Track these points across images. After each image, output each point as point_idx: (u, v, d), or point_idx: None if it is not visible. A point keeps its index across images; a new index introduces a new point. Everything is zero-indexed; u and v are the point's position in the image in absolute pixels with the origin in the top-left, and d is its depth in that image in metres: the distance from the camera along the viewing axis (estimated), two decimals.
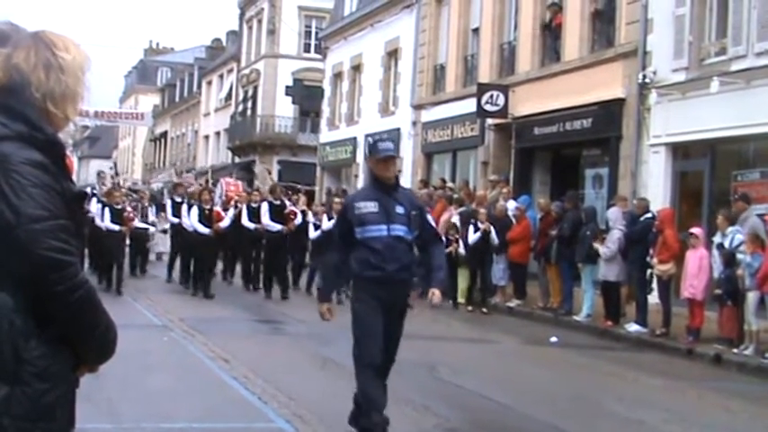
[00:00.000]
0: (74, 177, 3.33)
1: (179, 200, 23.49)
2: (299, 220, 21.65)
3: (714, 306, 15.88)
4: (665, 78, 19.96)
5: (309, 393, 10.31)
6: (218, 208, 21.99)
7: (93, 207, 21.58)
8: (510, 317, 19.11)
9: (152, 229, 26.70)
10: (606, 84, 21.61)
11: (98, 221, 20.71)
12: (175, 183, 27.52)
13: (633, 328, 16.80)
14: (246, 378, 10.98)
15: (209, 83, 65.08)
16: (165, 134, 76.97)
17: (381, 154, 8.00)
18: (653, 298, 16.95)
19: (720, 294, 15.31)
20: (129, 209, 21.23)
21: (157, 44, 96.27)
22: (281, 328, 15.98)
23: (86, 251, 23.08)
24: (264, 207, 21.44)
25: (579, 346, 15.93)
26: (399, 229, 7.87)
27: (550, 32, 24.72)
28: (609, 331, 16.96)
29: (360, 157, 35.88)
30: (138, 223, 22.71)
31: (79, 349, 2.99)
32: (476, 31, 28.50)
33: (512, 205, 21.05)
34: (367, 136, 35.01)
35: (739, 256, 14.81)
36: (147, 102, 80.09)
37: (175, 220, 22.96)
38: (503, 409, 10.30)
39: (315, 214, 22.21)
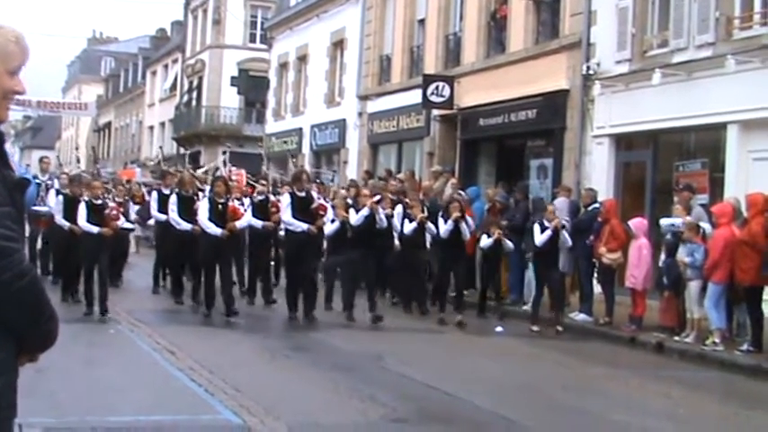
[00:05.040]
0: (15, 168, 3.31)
1: (167, 192, 19.21)
2: (329, 216, 17.15)
3: (656, 295, 16.12)
4: (608, 70, 20.15)
5: (256, 385, 10.31)
6: (233, 203, 16.97)
7: (53, 200, 18.44)
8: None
9: (136, 229, 22.98)
10: (550, 75, 21.75)
11: (58, 219, 17.05)
12: (163, 171, 23.41)
13: (579, 317, 16.99)
14: (193, 370, 10.96)
15: (154, 73, 64.72)
16: (108, 125, 76.40)
17: None
18: (597, 287, 17.16)
19: (663, 283, 15.56)
20: (111, 205, 16.62)
21: (101, 34, 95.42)
22: (229, 320, 15.90)
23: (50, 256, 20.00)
24: (286, 200, 16.87)
25: (525, 335, 16.05)
26: None
27: (495, 24, 24.83)
28: (554, 320, 17.09)
29: (306, 148, 35.83)
30: (121, 223, 17.38)
31: (22, 337, 2.99)
32: (421, 22, 28.52)
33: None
34: (313, 126, 35.02)
35: (681, 245, 15.03)
36: (91, 92, 79.29)
37: (162, 217, 18.78)
38: (449, 398, 10.35)
39: (332, 207, 17.75)
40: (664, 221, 15.94)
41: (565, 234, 16.48)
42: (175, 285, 18.41)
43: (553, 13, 22.73)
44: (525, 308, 18.06)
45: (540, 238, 16.42)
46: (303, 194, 16.67)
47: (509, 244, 17.51)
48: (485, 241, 17.53)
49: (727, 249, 14.04)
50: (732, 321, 14.91)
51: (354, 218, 16.91)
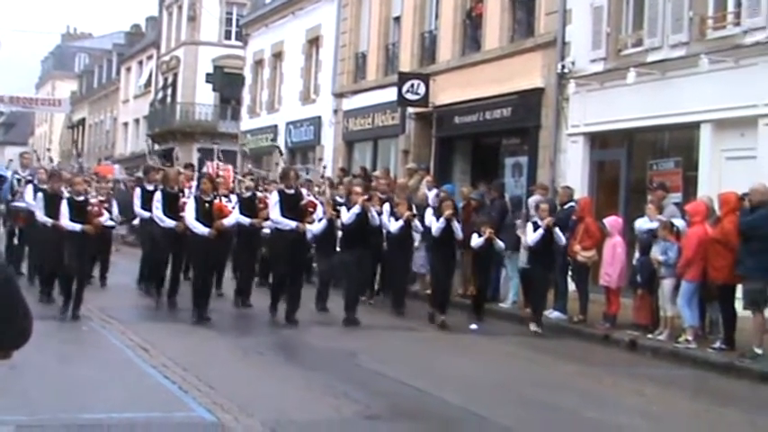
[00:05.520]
0: None
1: (151, 188, 18.47)
2: (318, 214, 16.59)
3: (630, 293, 16.18)
4: (583, 68, 20.22)
5: (230, 382, 10.30)
6: (219, 200, 16.27)
7: (29, 196, 17.92)
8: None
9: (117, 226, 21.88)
10: (526, 73, 21.81)
11: (39, 216, 16.22)
12: (147, 166, 22.32)
13: (553, 314, 17.01)
14: (166, 367, 10.95)
15: (129, 69, 64.43)
16: (83, 121, 75.96)
17: None
18: (571, 285, 17.20)
19: (637, 281, 15.62)
20: (94, 201, 15.82)
21: (75, 29, 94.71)
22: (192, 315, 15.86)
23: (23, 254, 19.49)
24: (274, 198, 16.21)
25: (499, 333, 16.08)
26: None
27: (471, 22, 24.88)
28: (528, 318, 17.12)
29: (281, 145, 35.74)
30: (105, 220, 16.35)
31: None
32: (397, 19, 28.56)
33: (433, 194, 21.08)
34: (288, 124, 34.96)
35: (655, 244, 15.09)
36: (65, 88, 78.99)
37: (146, 214, 18.16)
38: (423, 395, 10.37)
39: (321, 204, 17.33)
40: (639, 226, 15.92)
41: (558, 232, 16.05)
42: (156, 284, 17.74)
43: (528, 11, 22.79)
44: (501, 305, 18.06)
45: (532, 237, 16.07)
46: (292, 192, 16.13)
47: (500, 243, 17.00)
48: (475, 241, 16.86)
49: (701, 248, 14.11)
50: (705, 319, 14.99)
51: (346, 216, 16.41)
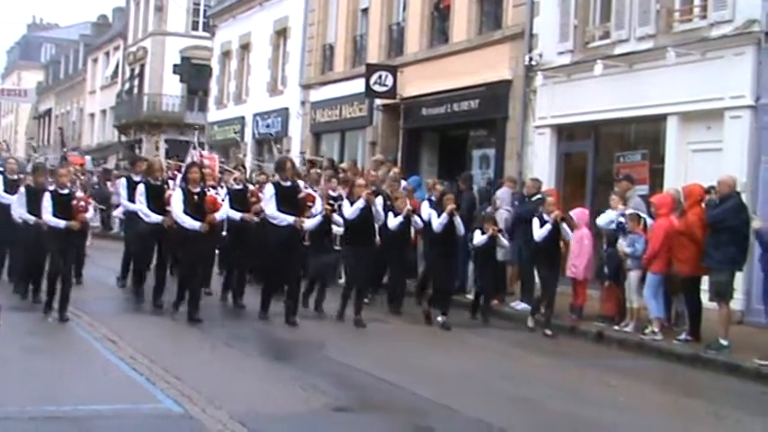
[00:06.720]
0: None
1: (138, 179, 16.87)
2: (317, 208, 15.24)
3: (597, 284, 16.25)
4: (550, 61, 20.28)
5: (197, 374, 10.27)
6: (211, 192, 15.33)
7: None
8: None
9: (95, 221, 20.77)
10: (493, 65, 21.84)
11: (20, 213, 15.37)
12: (134, 157, 21.28)
13: (520, 306, 17.06)
14: (134, 359, 10.89)
15: (95, 60, 64.09)
16: (49, 112, 75.51)
17: None
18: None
19: (604, 273, 15.69)
20: (79, 195, 14.71)
21: (41, 19, 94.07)
22: (170, 309, 15.79)
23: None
24: (269, 191, 14.98)
25: (467, 325, 16.11)
26: None
27: (439, 14, 24.90)
28: (495, 310, 17.17)
29: (248, 136, 35.67)
30: (91, 216, 15.73)
31: None
32: (365, 11, 28.52)
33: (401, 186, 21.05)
34: (255, 115, 34.86)
35: (622, 235, 15.15)
36: (31, 78, 78.43)
37: (132, 207, 16.52)
38: (392, 387, 10.37)
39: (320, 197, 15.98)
40: (601, 220, 15.93)
41: (565, 227, 15.40)
42: (136, 280, 16.80)
43: (496, 3, 22.84)
44: (469, 297, 18.04)
45: (539, 232, 15.30)
46: (288, 184, 14.95)
47: (504, 241, 16.47)
48: (478, 238, 16.22)
49: (667, 240, 14.20)
50: (670, 311, 15.09)
51: (348, 210, 15.37)
